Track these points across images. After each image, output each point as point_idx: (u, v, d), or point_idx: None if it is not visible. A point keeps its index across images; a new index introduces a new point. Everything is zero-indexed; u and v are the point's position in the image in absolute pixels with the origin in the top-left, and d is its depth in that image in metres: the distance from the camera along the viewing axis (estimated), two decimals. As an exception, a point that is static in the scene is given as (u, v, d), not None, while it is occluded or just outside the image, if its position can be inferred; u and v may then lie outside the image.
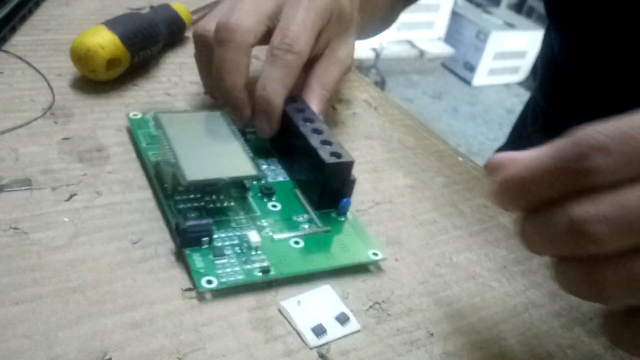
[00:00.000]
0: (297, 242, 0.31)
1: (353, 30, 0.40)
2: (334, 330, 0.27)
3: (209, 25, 0.36)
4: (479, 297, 0.31)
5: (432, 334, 0.28)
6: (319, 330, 0.27)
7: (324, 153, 0.32)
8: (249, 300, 0.28)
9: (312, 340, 0.26)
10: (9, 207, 0.29)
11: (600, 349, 0.30)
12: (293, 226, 0.32)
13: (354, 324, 0.28)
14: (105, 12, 0.50)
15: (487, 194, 0.25)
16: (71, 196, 0.31)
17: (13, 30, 0.44)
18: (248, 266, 0.29)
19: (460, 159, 0.44)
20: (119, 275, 0.27)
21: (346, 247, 0.31)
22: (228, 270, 0.28)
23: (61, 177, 0.32)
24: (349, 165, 0.32)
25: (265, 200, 0.33)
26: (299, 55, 0.34)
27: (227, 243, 0.29)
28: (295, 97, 0.36)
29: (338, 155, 0.32)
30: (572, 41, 0.49)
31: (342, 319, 0.28)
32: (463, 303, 0.31)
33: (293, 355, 0.26)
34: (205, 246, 0.29)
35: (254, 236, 0.30)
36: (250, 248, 0.29)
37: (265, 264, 0.29)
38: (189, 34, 0.50)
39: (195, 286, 0.27)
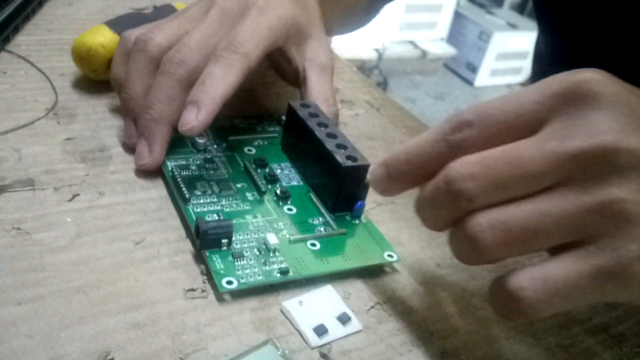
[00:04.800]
0: (313, 245, 0.31)
1: (319, 33, 0.41)
2: (336, 330, 0.27)
3: (157, 40, 0.34)
4: (478, 296, 0.31)
5: (432, 334, 0.29)
6: (320, 330, 0.27)
7: (340, 157, 0.32)
8: (251, 301, 0.28)
9: (314, 340, 0.26)
10: (11, 207, 0.30)
11: (599, 348, 0.30)
12: (309, 229, 0.32)
13: (355, 324, 0.28)
14: (108, 12, 0.50)
15: (372, 181, 0.28)
16: (74, 196, 0.31)
17: (16, 30, 0.44)
18: (267, 267, 0.29)
19: (461, 159, 0.44)
20: (122, 276, 0.27)
21: (362, 249, 0.32)
22: (247, 271, 0.28)
23: (64, 177, 0.32)
24: (364, 168, 0.33)
25: (281, 203, 0.33)
26: (245, 55, 0.33)
27: (245, 245, 0.30)
28: (308, 102, 0.37)
29: (354, 159, 0.32)
30: (558, 42, 0.49)
31: (344, 319, 0.28)
32: (463, 303, 0.31)
33: (295, 355, 0.26)
34: (224, 248, 0.29)
35: (272, 238, 0.30)
36: (268, 250, 0.30)
37: (283, 265, 0.29)
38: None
39: (209, 286, 0.27)
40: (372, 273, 0.31)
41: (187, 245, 0.30)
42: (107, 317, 0.25)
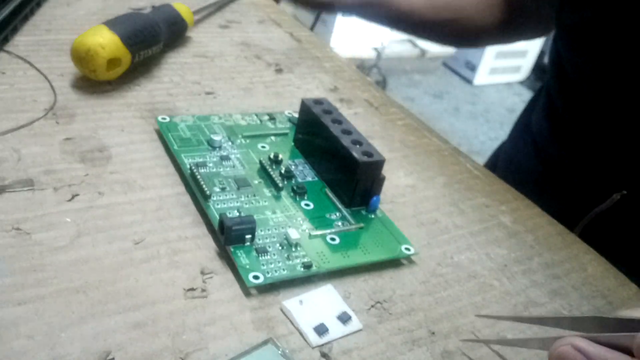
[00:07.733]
0: (332, 239, 0.32)
1: None
2: (336, 330, 0.27)
3: None
4: (479, 296, 0.31)
5: (433, 333, 0.28)
6: (321, 330, 0.27)
7: (356, 153, 0.33)
8: (251, 300, 0.28)
9: (315, 339, 0.26)
10: (11, 207, 0.30)
11: (602, 348, 0.30)
12: (327, 223, 0.33)
13: (355, 323, 0.28)
14: (106, 12, 0.50)
15: None
16: (73, 196, 0.31)
17: (15, 30, 0.44)
18: (290, 262, 0.29)
19: (461, 158, 0.44)
20: (122, 276, 0.27)
21: (379, 243, 0.32)
22: (272, 265, 0.29)
23: (63, 177, 0.32)
24: (380, 164, 0.33)
25: (298, 199, 0.34)
26: None
27: (267, 240, 0.30)
28: (321, 99, 0.37)
29: (369, 155, 0.33)
30: (578, 55, 0.49)
31: (344, 318, 0.28)
32: (464, 302, 0.31)
33: (295, 355, 0.26)
34: (248, 244, 0.29)
35: (293, 233, 0.31)
36: (290, 245, 0.30)
37: (306, 259, 0.30)
38: (190, 33, 0.50)
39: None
40: (372, 272, 0.31)
41: (187, 245, 0.30)
42: (107, 317, 0.25)
